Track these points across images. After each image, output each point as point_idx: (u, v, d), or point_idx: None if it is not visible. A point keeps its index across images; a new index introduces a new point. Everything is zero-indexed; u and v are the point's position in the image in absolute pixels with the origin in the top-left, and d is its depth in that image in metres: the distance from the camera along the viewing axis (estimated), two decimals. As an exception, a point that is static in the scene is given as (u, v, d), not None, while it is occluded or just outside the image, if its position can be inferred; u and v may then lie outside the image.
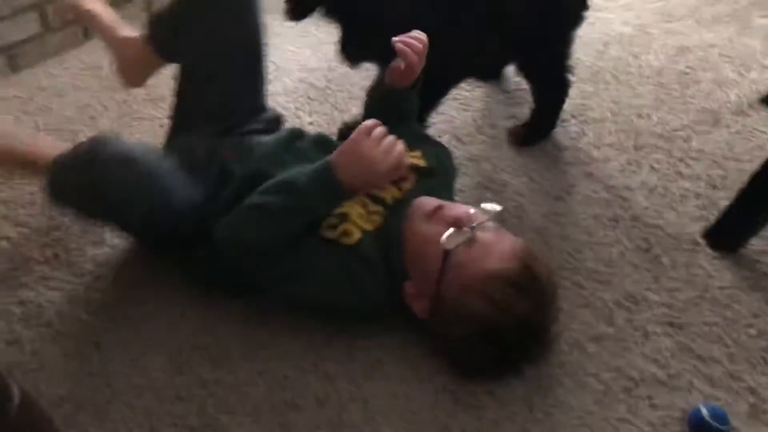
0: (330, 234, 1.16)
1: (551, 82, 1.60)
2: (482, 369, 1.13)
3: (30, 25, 1.94)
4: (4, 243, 1.39)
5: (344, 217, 1.17)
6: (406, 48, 1.20)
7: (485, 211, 1.14)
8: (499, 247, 1.11)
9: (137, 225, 1.24)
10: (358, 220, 1.18)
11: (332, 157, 1.12)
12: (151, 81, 1.62)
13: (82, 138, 1.66)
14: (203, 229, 1.17)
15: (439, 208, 1.16)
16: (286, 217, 1.13)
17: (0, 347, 1.19)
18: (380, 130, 1.12)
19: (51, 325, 1.23)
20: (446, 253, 1.08)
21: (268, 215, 1.12)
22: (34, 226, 1.43)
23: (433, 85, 1.40)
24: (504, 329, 1.06)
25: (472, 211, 1.14)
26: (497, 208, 1.15)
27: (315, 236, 1.16)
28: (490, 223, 1.14)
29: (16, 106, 1.81)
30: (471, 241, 1.10)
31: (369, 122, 1.12)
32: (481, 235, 1.11)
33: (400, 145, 1.14)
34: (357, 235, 1.16)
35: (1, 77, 1.92)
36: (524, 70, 1.61)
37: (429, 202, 1.19)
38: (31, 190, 1.51)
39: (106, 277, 1.32)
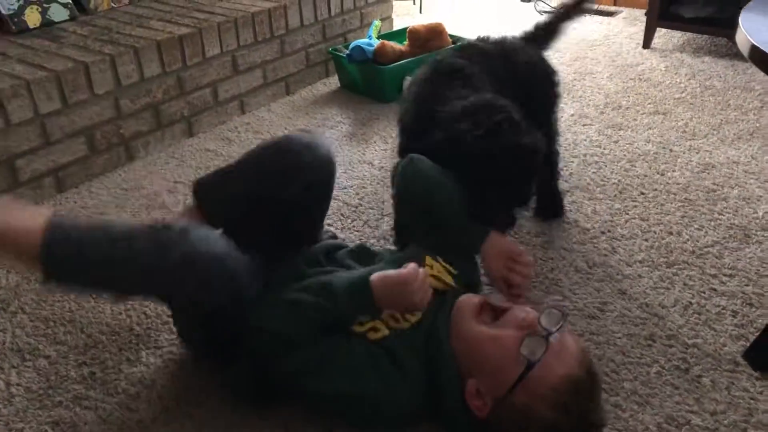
0: (358, 329, 1.21)
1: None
2: None
3: (78, 148, 2.06)
4: (43, 361, 1.41)
5: (375, 315, 1.22)
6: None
7: (553, 313, 1.13)
8: (568, 352, 1.10)
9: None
10: (388, 319, 1.22)
11: (374, 279, 1.18)
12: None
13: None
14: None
15: (487, 303, 1.21)
16: (317, 315, 1.17)
17: (32, 469, 1.18)
18: (425, 278, 1.20)
19: (83, 447, 1.22)
20: (530, 364, 1.08)
21: (302, 311, 1.17)
22: (71, 344, 1.45)
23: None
24: (567, 428, 1.07)
25: (534, 312, 1.16)
26: (565, 306, 1.18)
27: (344, 330, 1.21)
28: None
29: (60, 224, 1.88)
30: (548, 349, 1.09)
31: (420, 271, 1.19)
32: (553, 339, 1.10)
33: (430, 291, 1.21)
34: (384, 332, 1.20)
35: (48, 197, 2.01)
36: None
37: (473, 298, 1.24)
38: (70, 307, 1.55)
39: (141, 395, 1.32)
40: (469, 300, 1.24)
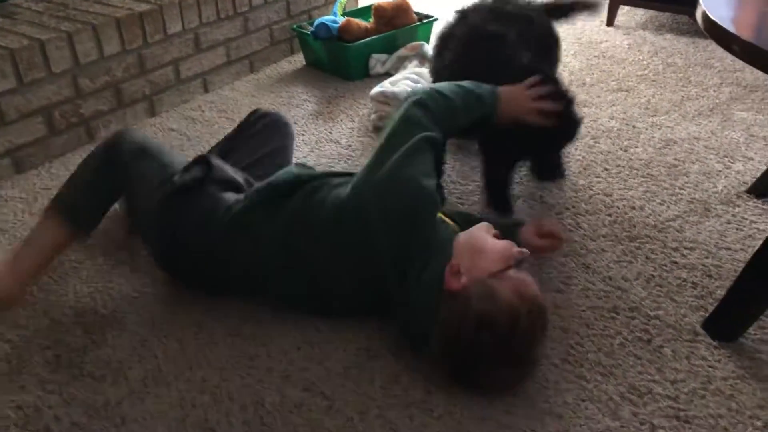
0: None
1: None
2: (471, 356, 1.21)
3: (36, 128, 2.01)
4: (4, 346, 1.38)
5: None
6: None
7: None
8: (531, 280, 1.27)
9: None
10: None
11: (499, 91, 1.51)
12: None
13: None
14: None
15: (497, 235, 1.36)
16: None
17: (-4, 454, 1.16)
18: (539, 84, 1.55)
19: (48, 430, 1.21)
20: (516, 263, 1.27)
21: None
22: (34, 328, 1.43)
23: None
24: (506, 333, 1.18)
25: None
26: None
27: None
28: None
29: (20, 206, 1.84)
30: (521, 265, 1.29)
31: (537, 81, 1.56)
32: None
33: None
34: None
35: (6, 178, 1.96)
36: None
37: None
38: (32, 291, 1.52)
39: (107, 378, 1.31)
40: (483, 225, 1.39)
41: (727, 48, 1.22)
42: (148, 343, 1.39)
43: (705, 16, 1.29)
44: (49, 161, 2.06)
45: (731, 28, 1.21)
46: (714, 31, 1.26)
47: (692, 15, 1.39)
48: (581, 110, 2.33)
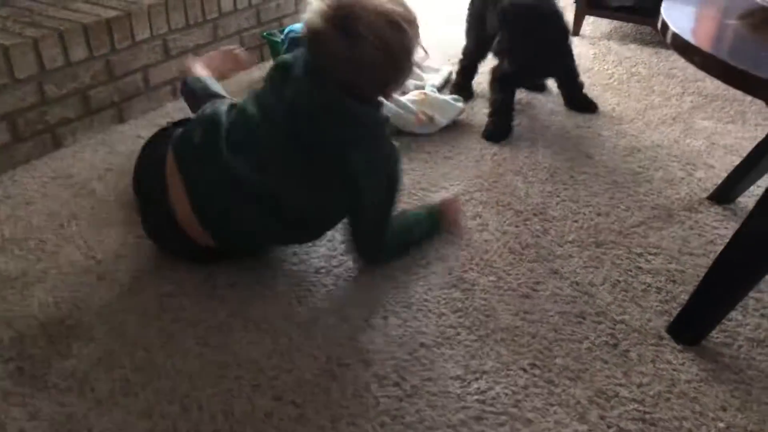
0: None
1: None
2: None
3: None
4: (-34, 357, 1.35)
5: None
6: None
7: None
8: None
9: None
10: None
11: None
12: (121, 186, 1.64)
13: (50, 247, 1.66)
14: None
15: None
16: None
17: (-43, 469, 1.14)
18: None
19: (12, 443, 1.18)
20: None
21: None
22: (-3, 339, 1.40)
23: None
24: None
25: None
26: None
27: None
28: None
29: (-18, 215, 1.80)
30: None
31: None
32: None
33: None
34: None
35: (-31, 187, 1.92)
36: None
37: None
38: (-4, 301, 1.49)
39: (72, 389, 1.28)
40: None
41: (689, 59, 1.25)
42: (116, 353, 1.37)
43: (666, 28, 1.33)
44: (13, 168, 2.02)
45: (692, 40, 1.24)
46: (676, 43, 1.29)
47: (655, 26, 1.42)
48: (549, 119, 2.37)
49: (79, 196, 1.88)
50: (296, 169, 1.43)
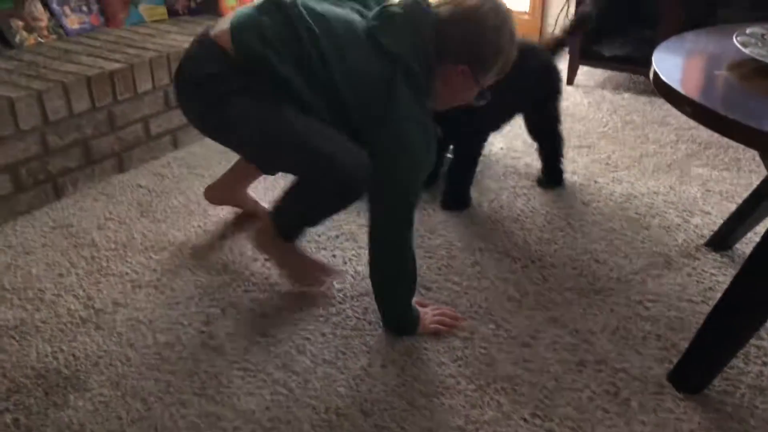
0: None
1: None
2: None
3: (2, 185, 1.99)
4: (-39, 409, 1.34)
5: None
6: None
7: None
8: None
9: None
10: None
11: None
12: (121, 237, 1.65)
13: (49, 296, 1.66)
14: None
15: None
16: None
17: None
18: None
19: (5, 498, 1.16)
20: None
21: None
22: (-7, 390, 1.39)
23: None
24: None
25: None
26: None
27: None
28: None
29: (-18, 265, 1.81)
30: None
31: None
32: None
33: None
34: None
35: (-31, 236, 1.93)
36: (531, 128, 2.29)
37: None
38: (-8, 351, 1.48)
39: (68, 442, 1.27)
40: None
41: (680, 108, 1.28)
42: (112, 404, 1.36)
43: (657, 78, 1.36)
44: (14, 218, 2.03)
45: (682, 90, 1.27)
46: (666, 93, 1.32)
47: (648, 75, 1.45)
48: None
49: (79, 246, 1.89)
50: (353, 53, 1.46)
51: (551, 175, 2.27)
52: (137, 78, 2.30)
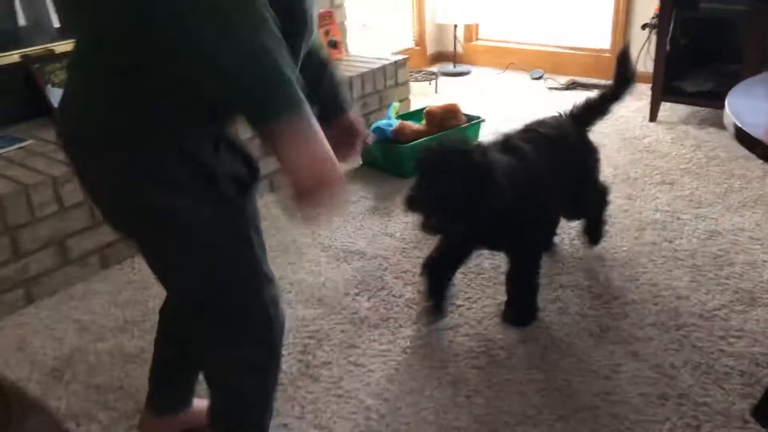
0: None
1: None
2: None
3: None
4: (95, 426, 1.52)
5: None
6: None
7: None
8: None
9: None
10: None
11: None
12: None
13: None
14: None
15: None
16: None
17: None
18: None
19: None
20: None
21: None
22: (121, 410, 1.56)
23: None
24: None
25: None
26: None
27: None
28: None
29: (106, 299, 2.02)
30: None
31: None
32: None
33: None
34: None
35: (93, 273, 2.16)
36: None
37: None
38: (119, 375, 1.66)
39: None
40: None
41: (752, 151, 1.33)
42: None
43: (731, 122, 1.41)
44: (132, 256, 2.25)
45: (754, 133, 1.32)
46: (740, 136, 1.37)
47: (731, 111, 1.49)
48: (626, 202, 2.44)
49: None
50: None
51: (595, 232, 2.13)
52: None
